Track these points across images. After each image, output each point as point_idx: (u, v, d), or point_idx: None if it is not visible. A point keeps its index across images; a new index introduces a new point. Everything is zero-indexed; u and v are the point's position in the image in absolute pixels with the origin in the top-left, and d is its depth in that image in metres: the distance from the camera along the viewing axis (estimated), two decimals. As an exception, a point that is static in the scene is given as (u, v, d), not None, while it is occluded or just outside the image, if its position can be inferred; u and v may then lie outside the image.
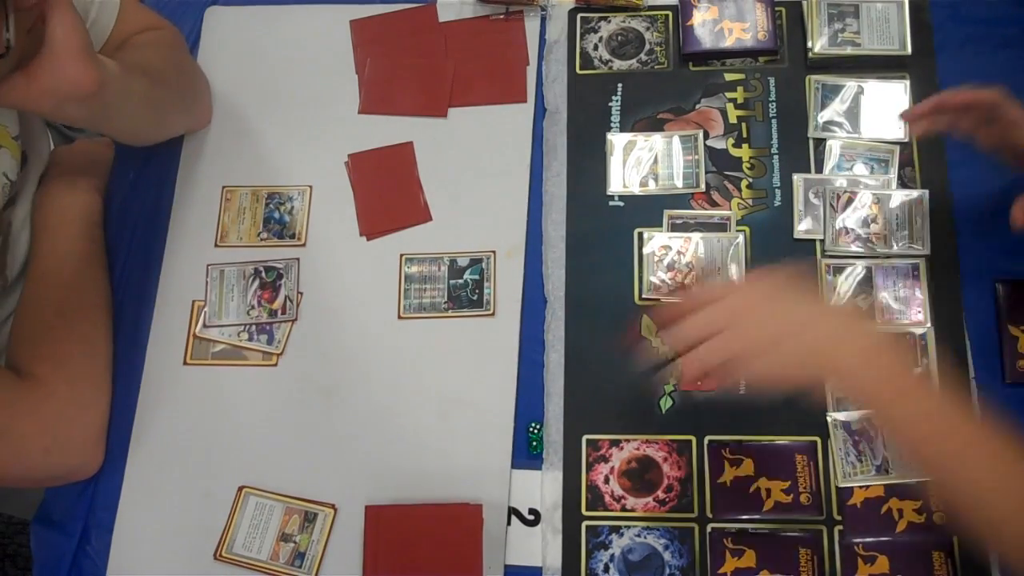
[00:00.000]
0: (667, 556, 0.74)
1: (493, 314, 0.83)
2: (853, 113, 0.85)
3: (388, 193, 0.88)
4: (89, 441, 0.80)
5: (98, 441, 0.80)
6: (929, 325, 0.78)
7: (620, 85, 0.89)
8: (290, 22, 0.96)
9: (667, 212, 0.84)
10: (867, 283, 0.80)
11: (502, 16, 0.93)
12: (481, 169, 0.88)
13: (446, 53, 0.92)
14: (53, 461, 0.77)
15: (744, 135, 0.86)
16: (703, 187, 0.84)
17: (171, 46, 0.88)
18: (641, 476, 0.77)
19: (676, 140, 0.86)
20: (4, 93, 0.66)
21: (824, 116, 0.85)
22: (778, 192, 0.84)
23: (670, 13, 0.91)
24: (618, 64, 0.90)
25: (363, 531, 0.77)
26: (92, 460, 0.80)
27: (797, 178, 0.84)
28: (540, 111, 0.89)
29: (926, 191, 0.81)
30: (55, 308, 0.80)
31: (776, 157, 0.85)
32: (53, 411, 0.77)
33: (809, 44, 0.86)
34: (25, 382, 0.77)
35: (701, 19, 0.89)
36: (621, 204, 0.85)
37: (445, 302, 0.83)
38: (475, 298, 0.83)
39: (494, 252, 0.85)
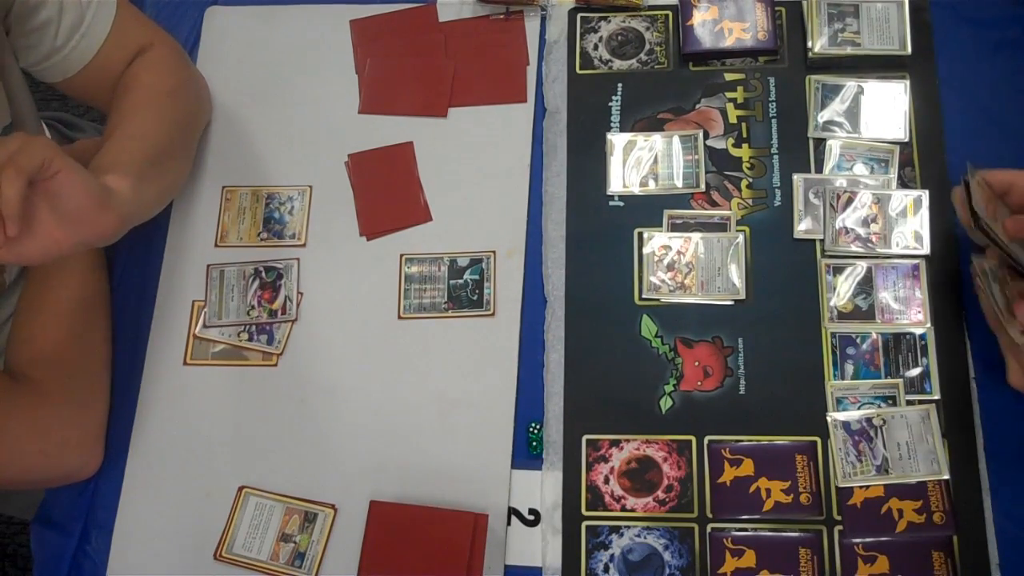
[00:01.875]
0: (667, 556, 0.74)
1: (493, 314, 0.83)
2: (853, 113, 0.85)
3: (388, 193, 0.88)
4: (87, 443, 0.80)
5: (96, 443, 0.80)
6: (929, 325, 0.78)
7: (620, 85, 0.89)
8: (290, 22, 0.96)
9: (667, 212, 0.84)
10: (867, 283, 0.80)
11: (502, 16, 0.93)
12: (481, 169, 0.88)
13: (446, 53, 0.92)
14: (51, 463, 0.77)
15: (744, 135, 0.86)
16: (703, 187, 0.84)
17: (170, 71, 0.85)
18: (641, 476, 0.77)
19: (676, 140, 0.86)
20: (39, 256, 0.65)
21: (824, 116, 0.85)
22: (778, 192, 0.84)
23: (670, 13, 0.91)
24: (618, 64, 0.90)
25: (363, 528, 0.77)
26: (90, 462, 0.80)
27: (797, 178, 0.84)
28: (540, 111, 0.89)
29: (926, 191, 0.81)
30: (53, 310, 0.80)
31: (776, 157, 0.85)
32: (49, 414, 0.77)
33: (809, 44, 0.86)
34: (21, 385, 0.77)
35: (701, 19, 0.89)
36: (621, 204, 0.85)
37: (445, 302, 0.83)
38: (475, 298, 0.83)
39: (494, 252, 0.85)
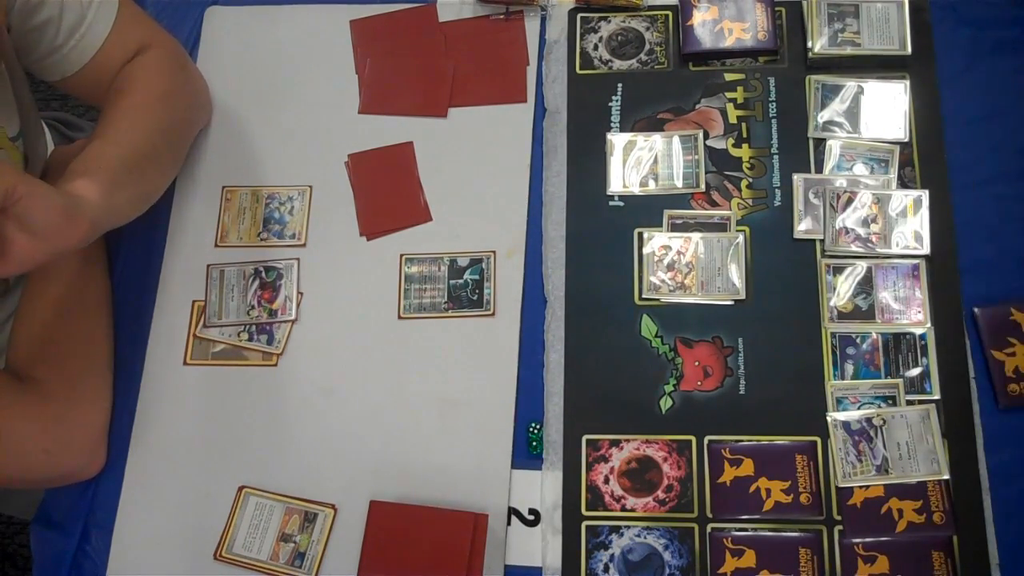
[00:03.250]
0: (667, 556, 0.74)
1: (493, 314, 0.83)
2: (853, 113, 0.85)
3: (388, 193, 0.88)
4: (90, 442, 0.80)
5: (100, 442, 0.80)
6: (929, 325, 0.78)
7: (620, 85, 0.89)
8: (290, 22, 0.96)
9: (667, 212, 0.84)
10: (867, 283, 0.80)
11: (502, 16, 0.93)
12: (481, 169, 0.88)
13: (446, 53, 0.92)
14: (55, 462, 0.78)
15: (744, 135, 0.86)
16: (703, 187, 0.84)
17: (165, 74, 0.84)
18: (641, 476, 0.77)
19: (676, 140, 0.86)
20: (17, 269, 0.66)
21: (824, 116, 0.85)
22: (778, 192, 0.84)
23: (670, 13, 0.91)
24: (618, 64, 0.90)
25: (363, 528, 0.77)
26: (94, 461, 0.80)
27: (797, 178, 0.84)
28: (540, 111, 0.89)
29: (926, 191, 0.81)
30: (55, 309, 0.80)
31: (776, 157, 0.85)
32: (53, 413, 0.77)
33: (809, 44, 0.86)
34: (25, 385, 0.77)
35: (701, 19, 0.89)
36: (621, 204, 0.85)
37: (445, 302, 0.83)
38: (475, 298, 0.83)
39: (494, 252, 0.85)
